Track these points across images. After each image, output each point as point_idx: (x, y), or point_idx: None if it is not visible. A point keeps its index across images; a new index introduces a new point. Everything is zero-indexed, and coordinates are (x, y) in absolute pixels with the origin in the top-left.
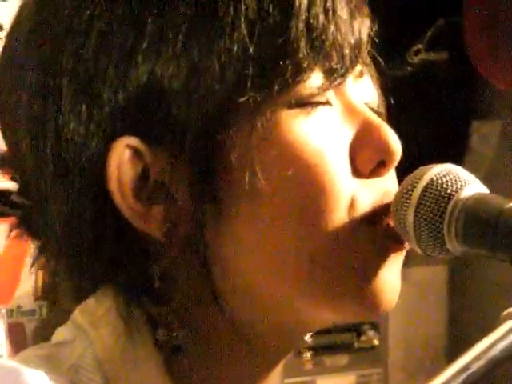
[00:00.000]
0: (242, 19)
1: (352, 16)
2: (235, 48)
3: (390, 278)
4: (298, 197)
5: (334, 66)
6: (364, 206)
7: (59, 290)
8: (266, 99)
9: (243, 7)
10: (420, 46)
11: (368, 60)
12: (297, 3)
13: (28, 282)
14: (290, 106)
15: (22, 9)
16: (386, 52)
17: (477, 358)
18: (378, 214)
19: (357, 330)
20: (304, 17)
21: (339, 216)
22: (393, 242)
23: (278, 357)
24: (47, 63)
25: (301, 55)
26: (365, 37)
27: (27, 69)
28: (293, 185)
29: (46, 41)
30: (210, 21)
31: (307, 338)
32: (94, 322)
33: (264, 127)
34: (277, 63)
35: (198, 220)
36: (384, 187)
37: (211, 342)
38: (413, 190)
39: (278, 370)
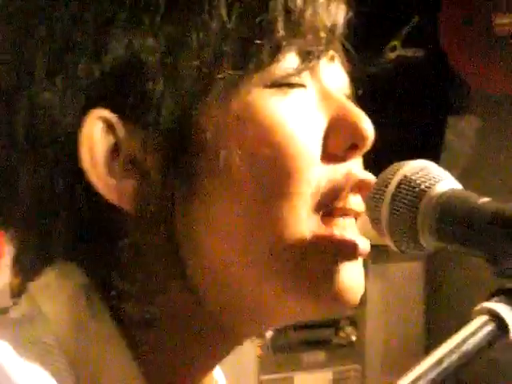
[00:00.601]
0: None
1: (329, 0)
2: (213, 25)
3: (349, 276)
4: (266, 178)
5: (310, 48)
6: (327, 193)
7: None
8: (241, 78)
9: None
10: (396, 43)
11: (339, 47)
12: None
13: (3, 279)
14: (266, 86)
15: None
16: (362, 48)
17: (449, 353)
18: (337, 198)
19: (334, 325)
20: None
21: (302, 203)
22: (344, 250)
23: (241, 339)
24: (21, 33)
25: (277, 35)
26: (340, 21)
27: (1, 35)
28: (263, 166)
29: (19, 10)
30: None
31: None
32: (49, 298)
33: (239, 106)
34: (253, 42)
35: (169, 196)
36: (359, 173)
37: (178, 319)
38: (387, 186)
39: (253, 361)
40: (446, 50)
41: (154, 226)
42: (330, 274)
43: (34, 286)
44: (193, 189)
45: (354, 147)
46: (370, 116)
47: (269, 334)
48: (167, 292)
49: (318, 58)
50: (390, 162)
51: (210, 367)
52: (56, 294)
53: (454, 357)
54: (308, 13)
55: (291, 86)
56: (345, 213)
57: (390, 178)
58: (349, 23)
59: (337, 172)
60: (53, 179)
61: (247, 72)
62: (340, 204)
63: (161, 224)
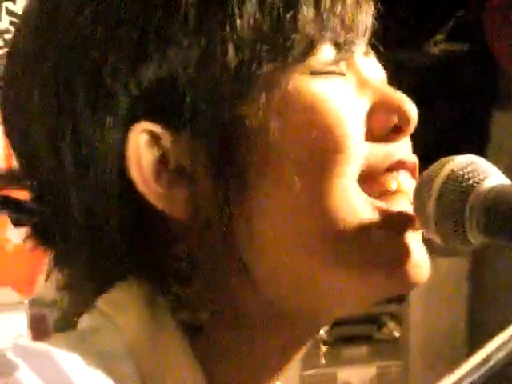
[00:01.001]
0: None
1: (357, 1)
2: (246, 27)
3: (414, 250)
4: (315, 160)
5: (343, 40)
6: (376, 168)
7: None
8: (280, 71)
9: None
10: (440, 37)
11: (372, 45)
12: None
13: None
14: (305, 75)
15: (27, 7)
16: (407, 42)
17: (497, 350)
18: (379, 177)
19: (377, 321)
20: None
21: (351, 182)
22: (400, 220)
23: (304, 340)
24: (56, 59)
25: (309, 30)
26: (369, 18)
27: (37, 68)
28: (311, 148)
29: (53, 37)
30: (219, 4)
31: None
32: (121, 310)
33: (282, 95)
34: (287, 38)
35: (221, 200)
36: (398, 153)
37: (236, 323)
38: (434, 181)
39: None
40: (492, 44)
41: (209, 231)
42: (395, 250)
43: (102, 300)
44: (245, 188)
45: (397, 129)
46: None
47: None
48: (231, 293)
49: (352, 48)
50: (437, 157)
51: (280, 368)
52: (126, 306)
53: (502, 354)
54: (338, 8)
55: (331, 73)
56: (394, 190)
57: (438, 172)
58: (384, 19)
59: (379, 151)
60: (103, 198)
61: (284, 66)
62: (386, 183)
63: (216, 227)
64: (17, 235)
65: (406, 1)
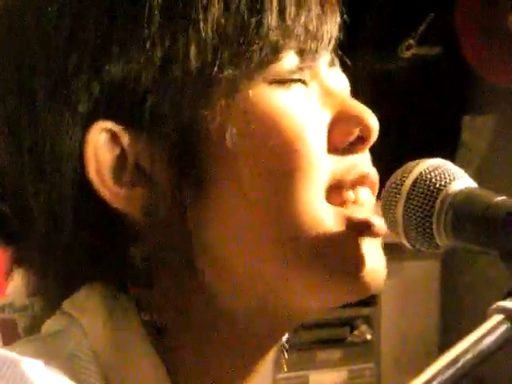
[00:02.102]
0: (216, 2)
1: (323, 9)
2: (209, 31)
3: (371, 255)
4: (277, 171)
5: (307, 47)
6: (339, 181)
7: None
8: (242, 77)
9: None
10: (412, 41)
11: (336, 55)
12: None
13: (20, 278)
14: (268, 83)
15: None
16: (378, 47)
17: (464, 352)
18: (342, 189)
19: (349, 324)
20: (275, 5)
21: (312, 192)
22: (361, 226)
23: (268, 343)
24: (18, 61)
25: (273, 36)
26: (335, 28)
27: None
28: (272, 158)
29: (19, 27)
30: (183, 7)
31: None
32: (84, 312)
33: (242, 103)
34: (250, 43)
35: (179, 200)
36: (360, 164)
37: (198, 325)
38: (402, 185)
39: (269, 360)
40: (463, 47)
41: (166, 232)
42: (353, 256)
43: (67, 303)
44: (203, 191)
45: (359, 140)
46: (385, 115)
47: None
48: (185, 298)
49: (315, 57)
50: (407, 161)
51: (247, 370)
52: (90, 307)
53: (470, 356)
54: (302, 16)
55: (293, 81)
56: (355, 202)
57: (406, 176)
58: (349, 28)
59: (342, 164)
60: (61, 197)
61: (247, 71)
62: (347, 195)
63: (172, 229)
64: None
65: (377, 5)
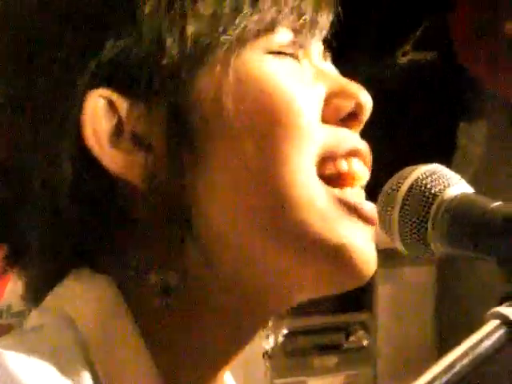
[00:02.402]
0: None
1: (318, 2)
2: (208, 5)
3: (362, 240)
4: (268, 136)
5: (300, 29)
6: (332, 152)
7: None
8: (238, 43)
9: None
10: (408, 47)
11: (331, 51)
12: None
13: (18, 282)
14: (262, 52)
15: None
16: (374, 53)
17: (461, 357)
18: (335, 159)
19: (346, 330)
20: None
21: (304, 160)
22: (357, 210)
23: (254, 324)
24: (17, 30)
25: (268, 12)
26: (327, 21)
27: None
28: (265, 124)
29: (15, 10)
30: None
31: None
32: (72, 301)
33: (238, 68)
34: (245, 15)
35: (176, 166)
36: (352, 138)
37: (196, 294)
38: (398, 190)
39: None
40: (458, 51)
41: (164, 196)
42: (344, 238)
43: (55, 292)
44: (198, 155)
45: (352, 115)
46: (381, 121)
47: (280, 338)
48: (183, 260)
49: (308, 35)
50: (403, 167)
51: (231, 354)
52: (76, 295)
53: (466, 361)
54: (296, 2)
55: (286, 54)
56: (349, 178)
57: (402, 182)
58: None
59: (335, 135)
60: (58, 165)
61: (242, 39)
62: (340, 165)
63: (170, 193)
64: None
65: (373, 11)
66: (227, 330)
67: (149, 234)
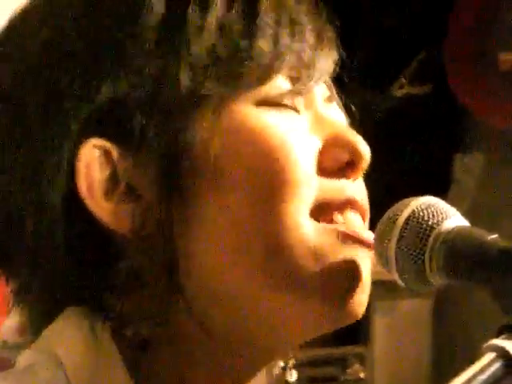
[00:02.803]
0: (213, 22)
1: (319, 41)
2: (202, 52)
3: (360, 275)
4: (261, 186)
5: (300, 76)
6: (327, 203)
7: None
8: (231, 94)
9: (212, 12)
10: (403, 80)
11: (335, 90)
12: (263, 15)
13: (14, 315)
14: (257, 104)
15: None
16: (370, 86)
17: None
18: (330, 210)
19: (342, 362)
20: (269, 29)
21: (299, 208)
22: (353, 238)
23: (251, 368)
24: (12, 75)
25: (264, 60)
26: (330, 62)
27: None
28: (257, 174)
29: (17, 44)
30: (178, 28)
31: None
32: (62, 342)
33: (230, 121)
34: (241, 64)
35: (166, 216)
36: (349, 188)
37: (180, 340)
38: (395, 222)
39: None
40: (452, 83)
41: (153, 247)
42: (340, 277)
43: (46, 332)
44: (189, 207)
45: (349, 165)
46: (377, 153)
47: (276, 371)
48: (168, 313)
49: (307, 84)
50: (399, 198)
51: None
52: (65, 335)
53: None
54: (295, 45)
55: (283, 106)
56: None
57: (399, 214)
58: (350, 63)
59: (330, 185)
60: (52, 212)
61: (236, 91)
62: (335, 217)
63: (158, 244)
64: None
65: (368, 44)
66: (222, 370)
67: (135, 283)
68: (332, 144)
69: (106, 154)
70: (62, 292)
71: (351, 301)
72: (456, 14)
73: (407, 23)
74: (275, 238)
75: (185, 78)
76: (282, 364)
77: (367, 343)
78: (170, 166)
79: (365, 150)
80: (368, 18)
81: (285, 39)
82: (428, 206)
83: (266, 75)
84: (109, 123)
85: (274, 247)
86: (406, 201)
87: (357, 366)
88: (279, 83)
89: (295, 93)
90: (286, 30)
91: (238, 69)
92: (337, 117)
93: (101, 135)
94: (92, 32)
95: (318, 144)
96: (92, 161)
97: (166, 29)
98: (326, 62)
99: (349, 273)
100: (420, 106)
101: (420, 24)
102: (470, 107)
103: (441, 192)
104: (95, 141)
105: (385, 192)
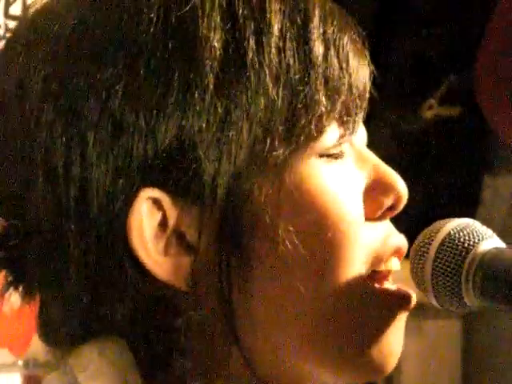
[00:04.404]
0: (267, 72)
1: (359, 62)
2: (261, 101)
3: (395, 341)
4: (321, 247)
5: (348, 118)
6: (377, 256)
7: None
8: (291, 153)
9: (267, 60)
10: (433, 101)
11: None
12: (314, 53)
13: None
14: (315, 157)
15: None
16: (400, 107)
17: None
18: (386, 257)
19: (370, 383)
20: (321, 68)
21: (355, 269)
22: (401, 301)
23: None
24: (70, 113)
25: (321, 107)
26: (368, 82)
27: (44, 113)
28: (318, 236)
29: (70, 89)
30: (236, 75)
31: None
32: (89, 373)
33: (291, 179)
34: (300, 116)
35: (224, 272)
36: (392, 234)
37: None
38: (430, 244)
39: None
40: (482, 106)
41: (209, 302)
42: (377, 341)
43: (74, 358)
44: (248, 264)
45: (391, 208)
46: (406, 175)
47: None
48: (224, 369)
49: (356, 125)
50: (427, 222)
51: None
52: (96, 368)
53: None
54: (346, 80)
55: (336, 155)
56: (387, 275)
57: (433, 236)
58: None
59: (376, 234)
60: (102, 256)
61: (297, 146)
62: (383, 267)
63: (216, 300)
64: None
65: (397, 65)
66: None
67: (191, 340)
68: (375, 188)
69: (157, 203)
70: (105, 330)
71: (381, 372)
72: (487, 37)
73: (437, 45)
74: (327, 309)
75: (245, 133)
76: None
77: (396, 365)
78: (230, 220)
79: (405, 193)
80: (398, 41)
81: (335, 78)
82: (464, 228)
83: (321, 126)
84: (166, 169)
85: (323, 317)
86: (440, 222)
87: None
88: (331, 133)
89: (346, 139)
90: (334, 66)
91: (297, 122)
92: (363, 138)
93: (156, 183)
94: (155, 69)
95: (362, 184)
96: (144, 213)
97: (225, 79)
98: (367, 84)
99: (391, 359)
100: (449, 128)
101: (451, 46)
102: (499, 131)
103: (469, 214)
104: (149, 191)
105: (416, 214)
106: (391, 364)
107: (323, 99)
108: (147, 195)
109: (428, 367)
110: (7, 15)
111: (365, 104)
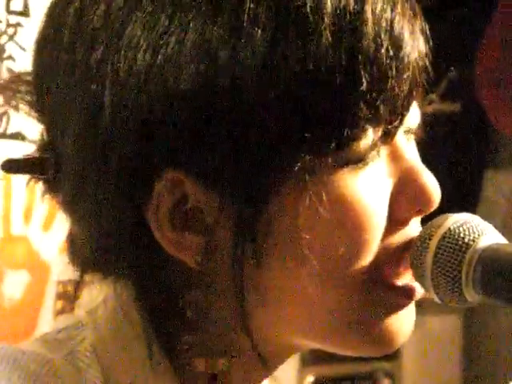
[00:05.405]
0: (308, 76)
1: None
2: (293, 108)
3: (404, 321)
4: (336, 251)
5: (389, 127)
6: (387, 260)
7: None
8: (321, 160)
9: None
10: (433, 97)
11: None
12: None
13: (46, 328)
14: (343, 165)
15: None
16: None
17: None
18: (398, 264)
19: (371, 378)
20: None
21: (366, 273)
22: (407, 298)
23: (275, 366)
24: (114, 100)
25: (359, 115)
26: (421, 68)
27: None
28: (335, 240)
29: (127, 88)
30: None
31: None
32: (96, 320)
33: (316, 186)
34: (334, 125)
35: (238, 256)
36: (412, 233)
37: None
38: (430, 239)
39: None
40: (482, 102)
41: (218, 282)
42: (383, 328)
43: (88, 301)
44: (262, 253)
45: (419, 212)
46: None
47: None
48: (226, 344)
49: (395, 132)
50: (429, 215)
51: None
52: (102, 320)
53: None
54: (388, 85)
55: (366, 162)
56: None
57: (434, 231)
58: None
59: (398, 238)
60: (120, 225)
61: (326, 155)
62: (400, 268)
63: (224, 281)
64: (12, 289)
65: None
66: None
67: (198, 317)
68: (404, 191)
69: (179, 183)
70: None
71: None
72: (488, 30)
73: (437, 40)
74: (335, 306)
75: (278, 134)
76: (311, 379)
77: (396, 360)
78: (252, 215)
79: (436, 197)
80: None
81: (382, 84)
82: (464, 223)
83: (357, 133)
84: (199, 161)
85: (331, 313)
86: (441, 217)
87: (385, 382)
88: (369, 137)
89: (382, 145)
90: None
91: (330, 131)
92: (411, 122)
93: (181, 164)
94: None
95: (390, 187)
96: (164, 191)
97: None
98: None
99: (399, 337)
100: (451, 123)
101: (451, 42)
102: (499, 126)
103: (470, 209)
104: (173, 172)
105: None
106: (398, 341)
107: (363, 109)
108: (170, 175)
109: (428, 362)
110: (9, 10)
111: (410, 105)
